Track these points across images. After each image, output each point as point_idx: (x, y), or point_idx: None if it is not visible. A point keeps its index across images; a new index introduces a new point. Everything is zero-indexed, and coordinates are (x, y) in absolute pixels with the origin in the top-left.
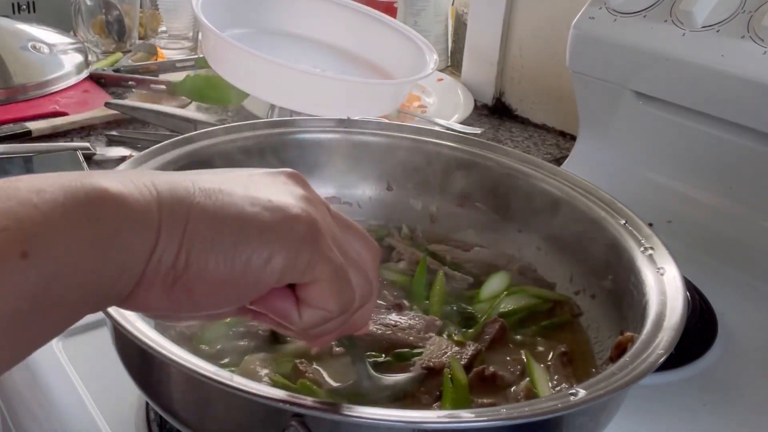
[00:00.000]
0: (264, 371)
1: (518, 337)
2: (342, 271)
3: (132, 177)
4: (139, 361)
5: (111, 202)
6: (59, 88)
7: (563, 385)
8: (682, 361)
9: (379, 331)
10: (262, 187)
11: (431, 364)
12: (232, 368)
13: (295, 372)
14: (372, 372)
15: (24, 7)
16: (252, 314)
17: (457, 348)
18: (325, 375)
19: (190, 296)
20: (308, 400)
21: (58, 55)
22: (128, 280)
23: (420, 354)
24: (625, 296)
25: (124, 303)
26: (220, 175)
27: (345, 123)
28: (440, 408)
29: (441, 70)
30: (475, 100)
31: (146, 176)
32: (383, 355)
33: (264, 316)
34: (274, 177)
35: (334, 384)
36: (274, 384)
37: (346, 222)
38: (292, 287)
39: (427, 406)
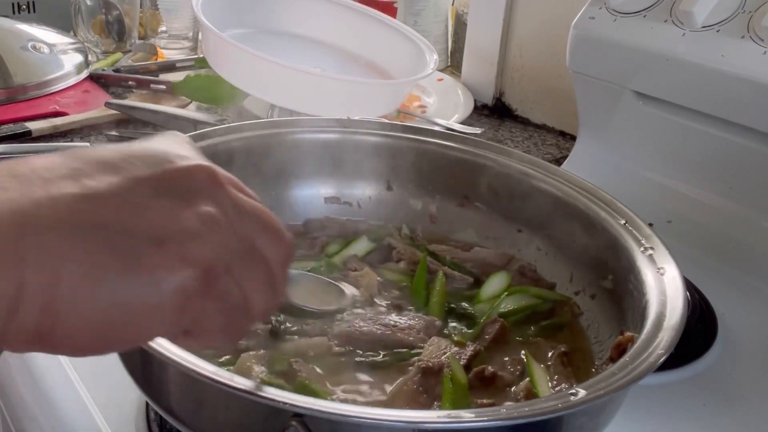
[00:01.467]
0: (259, 369)
1: (518, 337)
2: (236, 311)
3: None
4: (139, 361)
5: None
6: (59, 88)
7: (563, 385)
8: (682, 361)
9: (379, 331)
10: (156, 215)
11: (431, 364)
12: (229, 367)
13: (291, 371)
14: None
15: (24, 7)
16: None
17: (456, 348)
18: (321, 374)
19: (60, 350)
20: (308, 400)
21: (58, 55)
22: None
23: (419, 354)
24: (625, 296)
25: None
26: (116, 183)
27: (345, 123)
28: (440, 408)
29: (441, 70)
30: (475, 100)
31: (17, 203)
32: (382, 356)
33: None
34: (175, 190)
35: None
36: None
37: (258, 213)
38: None
39: (426, 406)
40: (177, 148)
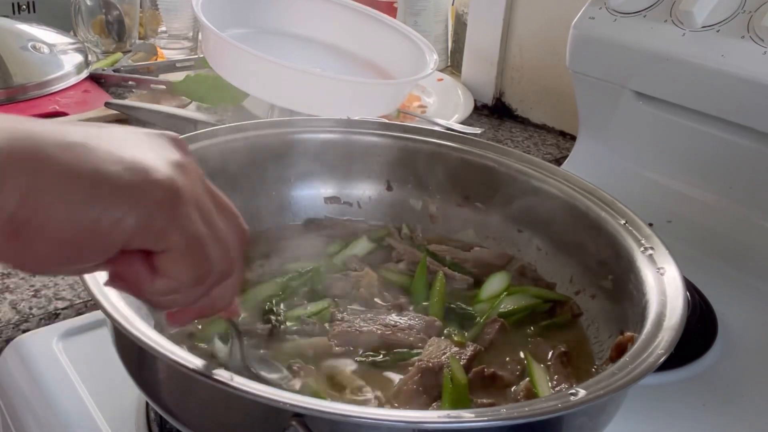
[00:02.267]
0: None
1: (518, 337)
2: (197, 243)
3: None
4: (139, 361)
5: None
6: (59, 88)
7: (563, 385)
8: (682, 361)
9: (379, 331)
10: (133, 147)
11: (431, 364)
12: None
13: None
14: (245, 358)
15: (24, 7)
16: (109, 275)
17: (456, 348)
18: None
19: (33, 251)
20: (308, 400)
21: (58, 55)
22: None
23: (420, 354)
24: (625, 296)
25: None
26: (93, 129)
27: (345, 123)
28: (440, 408)
29: (441, 70)
30: (475, 100)
31: (9, 121)
32: (382, 355)
33: (119, 278)
34: (152, 139)
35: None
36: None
37: (221, 200)
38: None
39: (426, 406)
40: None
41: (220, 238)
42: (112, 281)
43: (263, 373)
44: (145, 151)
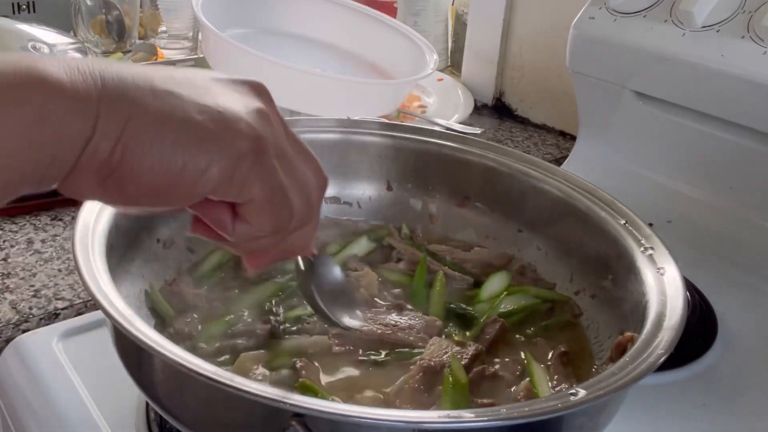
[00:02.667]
0: (258, 369)
1: (518, 337)
2: (280, 192)
3: (81, 64)
4: (139, 361)
5: (43, 87)
6: None
7: (563, 385)
8: (682, 361)
9: (379, 331)
10: (219, 95)
11: (432, 363)
12: (228, 366)
13: (293, 371)
14: (319, 304)
15: (24, 7)
16: (192, 220)
17: (457, 348)
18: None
19: (123, 192)
20: (308, 400)
21: (58, 55)
22: (60, 167)
23: (420, 354)
24: (625, 296)
25: (60, 186)
26: (180, 74)
27: (345, 123)
28: (440, 408)
29: (441, 70)
30: (475, 100)
31: (98, 65)
32: (383, 355)
33: (201, 223)
34: (236, 87)
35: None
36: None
37: (302, 146)
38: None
39: (427, 406)
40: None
41: (301, 187)
42: (195, 226)
43: (333, 314)
44: (229, 100)
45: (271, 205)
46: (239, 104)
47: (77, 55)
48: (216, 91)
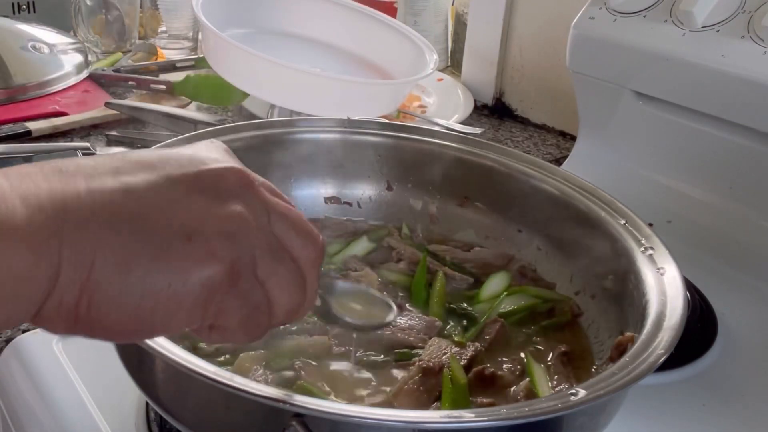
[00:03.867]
0: (258, 369)
1: (518, 337)
2: (258, 311)
3: (40, 186)
4: (139, 361)
5: None
6: (59, 88)
7: (563, 385)
8: (682, 361)
9: (379, 331)
10: (187, 212)
11: (431, 363)
12: (228, 366)
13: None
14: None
15: (24, 7)
16: None
17: (457, 348)
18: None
19: (95, 336)
20: (308, 400)
21: (58, 55)
22: (21, 318)
23: (420, 354)
24: (625, 296)
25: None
26: (142, 181)
27: (345, 123)
28: (440, 408)
29: (441, 70)
30: (475, 100)
31: (58, 183)
32: (383, 355)
33: None
34: (208, 188)
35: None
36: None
37: (290, 219)
38: None
39: (426, 406)
40: (213, 152)
41: (289, 278)
42: None
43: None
44: (198, 216)
45: (247, 325)
46: (211, 219)
47: (78, 56)
48: (185, 205)
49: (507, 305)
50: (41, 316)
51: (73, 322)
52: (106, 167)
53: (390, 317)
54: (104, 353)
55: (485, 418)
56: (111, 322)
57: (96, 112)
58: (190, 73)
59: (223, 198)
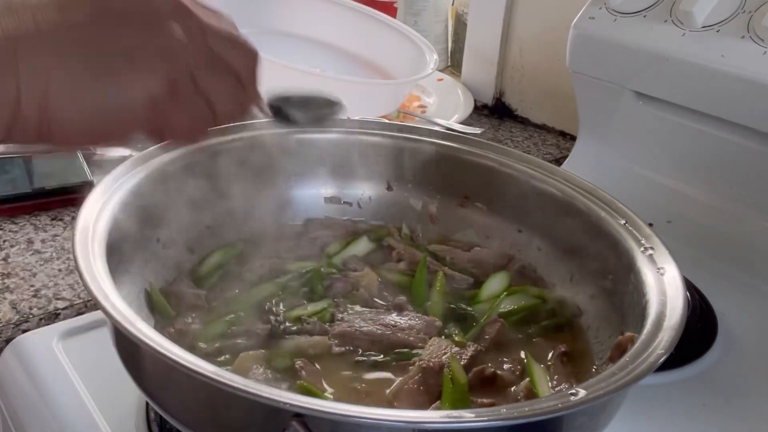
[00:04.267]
0: (258, 369)
1: (518, 337)
2: (197, 119)
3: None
4: (139, 361)
5: None
6: None
7: (563, 385)
8: (682, 361)
9: (379, 331)
10: (125, 35)
11: (431, 363)
12: (228, 366)
13: (293, 369)
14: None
15: None
16: None
17: (457, 348)
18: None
19: (61, 144)
20: (308, 400)
21: None
22: None
23: (420, 354)
24: (625, 296)
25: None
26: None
27: (345, 123)
28: (440, 408)
29: (441, 70)
30: (475, 100)
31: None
32: (383, 355)
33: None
34: (146, 12)
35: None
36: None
37: (223, 34)
38: None
39: (426, 406)
40: None
41: (227, 88)
42: None
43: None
44: (139, 38)
45: (192, 128)
46: (150, 42)
47: None
48: (125, 31)
49: (507, 305)
50: (11, 137)
51: (38, 138)
52: (52, 3)
53: (337, 111)
54: (104, 353)
55: (485, 418)
56: (71, 133)
57: None
58: None
59: (161, 22)
